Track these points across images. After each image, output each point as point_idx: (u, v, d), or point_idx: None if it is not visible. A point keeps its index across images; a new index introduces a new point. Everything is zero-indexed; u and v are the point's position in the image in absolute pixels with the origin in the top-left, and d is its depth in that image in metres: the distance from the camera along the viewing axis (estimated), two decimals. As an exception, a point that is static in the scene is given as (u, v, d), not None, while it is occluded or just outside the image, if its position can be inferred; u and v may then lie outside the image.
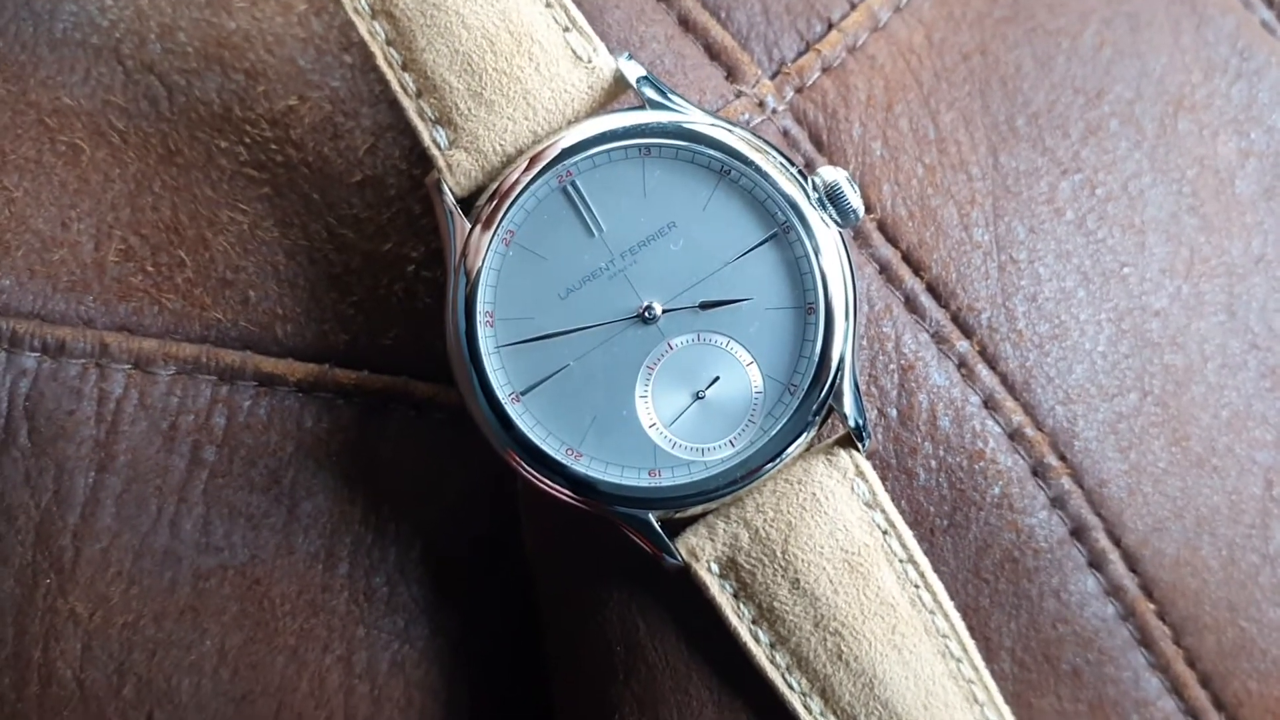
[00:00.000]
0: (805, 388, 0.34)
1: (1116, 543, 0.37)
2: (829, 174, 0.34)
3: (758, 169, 0.34)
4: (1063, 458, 0.37)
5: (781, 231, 0.34)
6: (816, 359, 0.34)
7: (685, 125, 0.34)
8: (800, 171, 0.35)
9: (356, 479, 0.38)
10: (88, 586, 0.37)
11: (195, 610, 0.37)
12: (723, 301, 0.34)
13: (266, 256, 0.38)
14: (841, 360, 0.34)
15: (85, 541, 0.37)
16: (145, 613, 0.37)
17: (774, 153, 0.35)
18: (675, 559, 0.34)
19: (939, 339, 0.37)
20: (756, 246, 0.34)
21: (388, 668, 0.38)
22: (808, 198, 0.34)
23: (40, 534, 0.37)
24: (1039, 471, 0.37)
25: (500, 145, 0.35)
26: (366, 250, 0.38)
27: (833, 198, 0.34)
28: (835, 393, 0.34)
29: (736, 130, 0.35)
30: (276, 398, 0.37)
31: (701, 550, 0.34)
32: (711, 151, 0.34)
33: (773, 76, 0.38)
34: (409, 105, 0.35)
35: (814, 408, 0.34)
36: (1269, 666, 0.37)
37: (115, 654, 0.37)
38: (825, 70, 0.39)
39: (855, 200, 0.34)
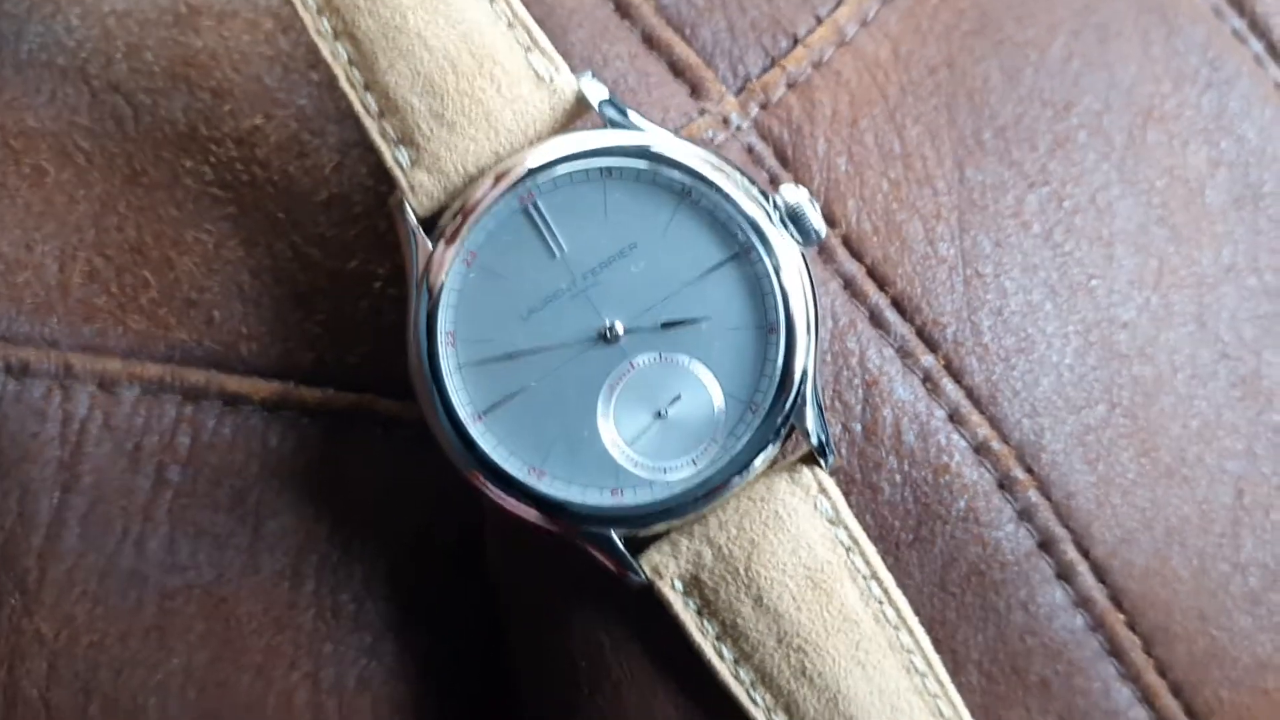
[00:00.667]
0: (767, 406, 0.34)
1: (1085, 554, 0.37)
2: (790, 194, 0.34)
3: (719, 190, 0.34)
4: (1030, 470, 0.37)
5: (742, 251, 0.34)
6: (778, 377, 0.34)
7: (646, 146, 0.34)
8: (762, 191, 0.35)
9: (322, 497, 0.38)
10: (53, 607, 0.36)
11: (161, 629, 0.37)
12: (683, 321, 0.34)
13: (231, 276, 0.38)
14: (804, 378, 0.34)
15: (50, 562, 0.37)
16: (111, 632, 0.37)
17: (736, 172, 0.35)
18: (639, 576, 0.34)
19: (904, 353, 0.37)
20: (718, 267, 0.34)
21: (355, 684, 0.38)
22: (769, 217, 0.34)
23: (4, 555, 0.36)
24: (1005, 484, 0.37)
25: (462, 166, 0.35)
26: (332, 268, 0.38)
27: (794, 218, 0.34)
28: (797, 411, 0.34)
29: (698, 149, 0.35)
30: (241, 417, 0.37)
31: (665, 568, 0.35)
32: (672, 172, 0.34)
33: (737, 93, 0.38)
34: (371, 126, 0.35)
35: (776, 426, 0.34)
36: (1240, 674, 0.38)
37: (81, 673, 0.37)
38: (790, 86, 0.39)
39: (817, 221, 0.34)
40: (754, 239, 0.34)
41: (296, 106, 0.39)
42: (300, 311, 0.38)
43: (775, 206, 0.34)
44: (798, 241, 0.34)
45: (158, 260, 0.38)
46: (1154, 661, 0.37)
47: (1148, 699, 0.37)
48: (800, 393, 0.34)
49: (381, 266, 0.38)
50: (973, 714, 0.36)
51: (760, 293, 0.34)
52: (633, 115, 0.35)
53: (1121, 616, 0.37)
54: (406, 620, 0.38)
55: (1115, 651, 0.37)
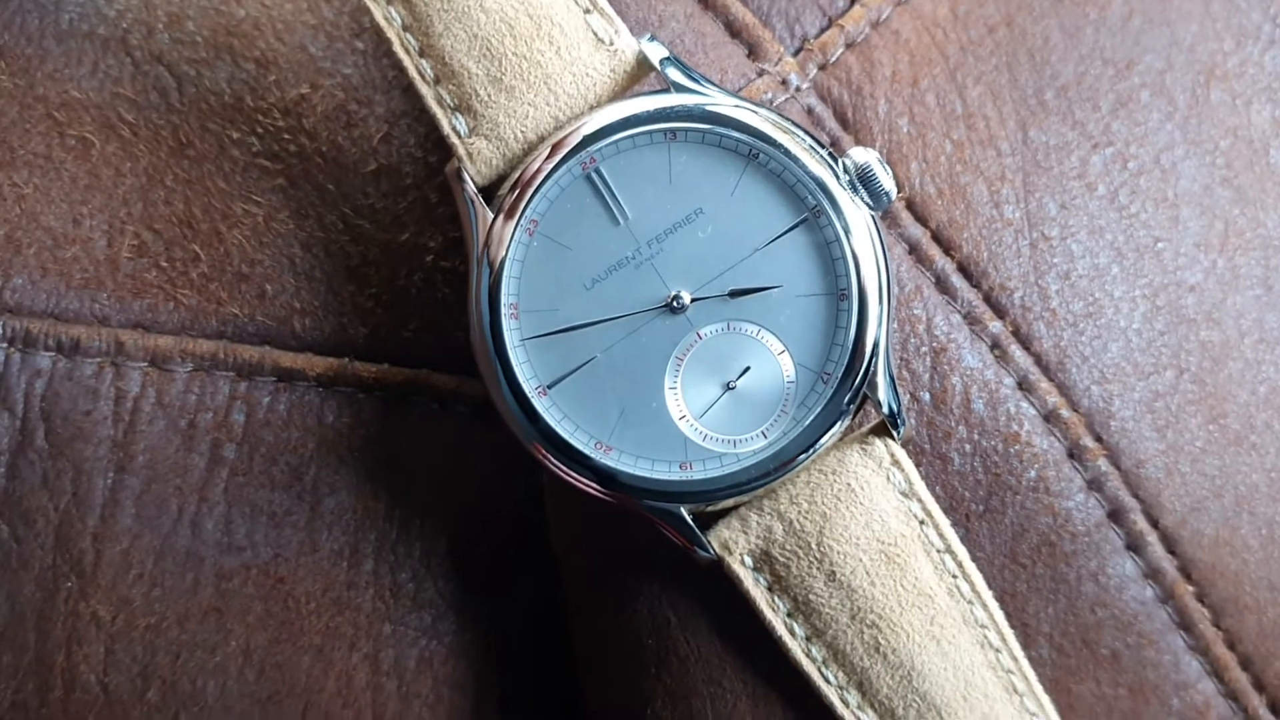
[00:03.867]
0: (839, 376, 0.33)
1: (1154, 524, 0.36)
2: (860, 155, 0.34)
3: (786, 151, 0.33)
4: (1099, 439, 0.36)
5: (812, 216, 0.34)
6: (850, 346, 0.33)
7: (711, 108, 0.33)
8: (829, 153, 0.34)
9: (379, 474, 0.37)
10: (109, 589, 0.36)
11: (219, 611, 0.37)
12: (752, 289, 0.33)
13: (282, 249, 0.37)
14: (875, 346, 0.33)
15: (105, 543, 0.36)
16: (168, 614, 0.36)
17: (801, 134, 0.34)
18: (708, 552, 0.34)
19: (971, 320, 0.36)
20: (786, 232, 0.34)
21: (415, 664, 0.37)
22: (838, 180, 0.34)
23: (60, 537, 0.36)
24: (1075, 453, 0.36)
25: (521, 132, 0.34)
26: (383, 241, 0.37)
27: (864, 180, 0.34)
28: (869, 380, 0.33)
29: (763, 111, 0.34)
30: (296, 393, 0.37)
31: (735, 543, 0.34)
32: (738, 134, 0.33)
33: (795, 54, 0.38)
34: (427, 93, 0.34)
35: (848, 396, 0.33)
36: (1310, 647, 0.37)
37: (139, 657, 0.36)
38: (849, 46, 0.38)
39: (888, 182, 0.34)
40: (823, 202, 0.33)
41: (342, 76, 0.38)
42: (353, 285, 0.37)
43: (844, 169, 0.34)
44: (868, 205, 0.34)
45: (207, 233, 0.37)
46: (1223, 634, 0.37)
47: (1217, 672, 0.36)
48: (872, 361, 0.33)
49: (434, 239, 0.37)
50: (1044, 687, 0.35)
51: (830, 258, 0.34)
52: (697, 77, 0.34)
53: (1191, 588, 0.36)
54: (467, 599, 0.37)
55: (1185, 624, 0.36)
